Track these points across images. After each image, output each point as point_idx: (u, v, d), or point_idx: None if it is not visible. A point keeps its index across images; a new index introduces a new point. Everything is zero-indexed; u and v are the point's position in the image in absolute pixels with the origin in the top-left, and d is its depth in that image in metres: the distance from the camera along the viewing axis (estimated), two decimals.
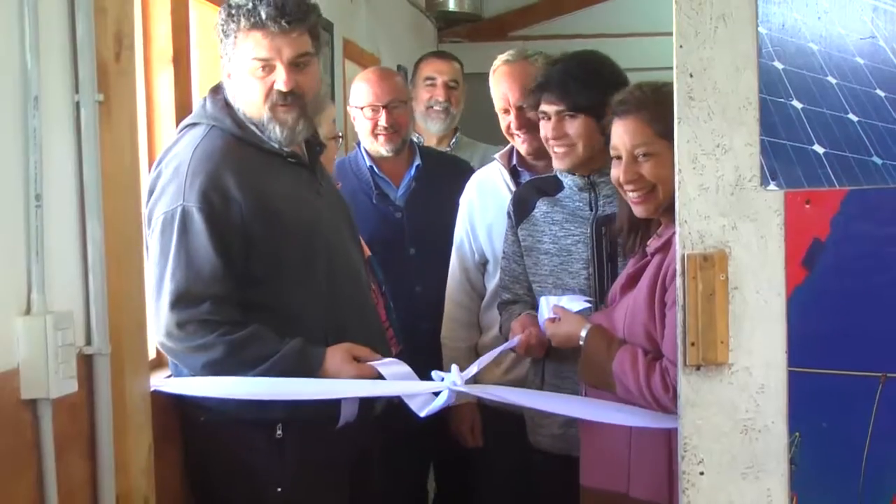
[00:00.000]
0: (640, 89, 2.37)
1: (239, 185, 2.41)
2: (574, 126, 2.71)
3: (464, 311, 3.23)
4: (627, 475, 2.33)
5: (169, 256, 2.37)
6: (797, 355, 1.95)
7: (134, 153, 2.27)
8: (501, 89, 3.16)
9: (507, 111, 3.13)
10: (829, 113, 1.93)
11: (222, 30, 2.48)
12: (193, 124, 2.53)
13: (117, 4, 2.16)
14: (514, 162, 3.19)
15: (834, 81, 1.94)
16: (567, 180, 2.82)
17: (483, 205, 3.19)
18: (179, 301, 2.36)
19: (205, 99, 2.57)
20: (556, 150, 2.76)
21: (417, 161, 3.50)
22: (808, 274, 1.93)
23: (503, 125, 3.18)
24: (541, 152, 3.07)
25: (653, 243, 2.33)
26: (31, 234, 1.93)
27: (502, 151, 3.26)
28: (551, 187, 2.87)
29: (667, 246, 2.25)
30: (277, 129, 2.49)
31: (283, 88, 2.46)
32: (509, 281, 2.93)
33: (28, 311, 1.94)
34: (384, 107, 3.44)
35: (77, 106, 2.08)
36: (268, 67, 2.46)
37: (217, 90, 2.57)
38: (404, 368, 2.49)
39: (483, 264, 3.21)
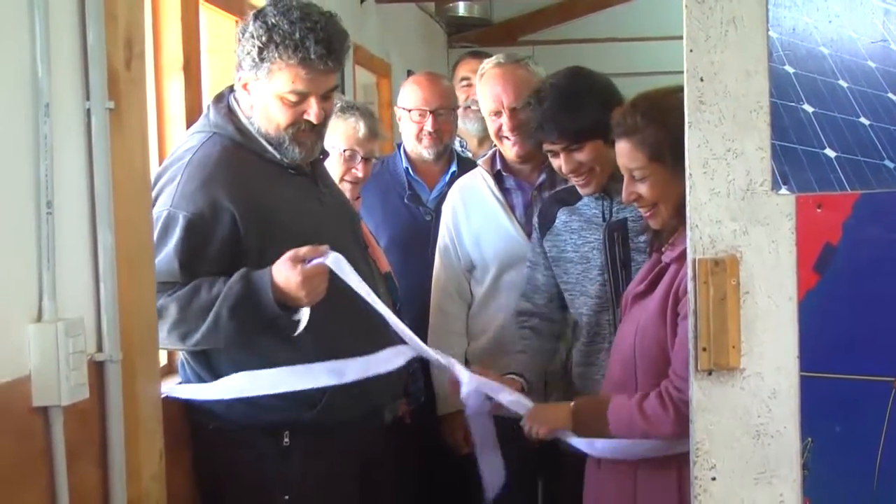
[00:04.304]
0: (633, 112, 2.36)
1: (233, 194, 2.40)
2: (584, 154, 2.73)
3: (451, 320, 3.24)
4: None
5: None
6: (809, 360, 1.94)
7: (145, 160, 2.27)
8: (493, 91, 3.16)
9: (498, 113, 3.14)
10: (840, 117, 1.92)
11: (259, 52, 2.43)
12: (196, 133, 2.53)
13: (128, 12, 2.16)
14: (499, 167, 3.19)
15: (845, 85, 1.93)
16: None
17: (468, 211, 3.20)
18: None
19: (208, 108, 2.57)
20: (575, 180, 2.79)
21: (454, 168, 3.53)
22: (819, 278, 1.93)
23: (493, 128, 3.18)
24: (529, 156, 3.08)
25: (668, 253, 2.33)
26: (42, 241, 1.93)
27: (485, 157, 3.28)
28: (572, 197, 2.89)
29: (682, 257, 2.25)
30: (297, 151, 2.50)
31: (315, 121, 2.47)
32: (530, 289, 2.96)
33: (39, 318, 1.94)
34: (431, 112, 3.47)
35: (88, 113, 2.08)
36: (301, 99, 2.46)
37: (220, 98, 2.57)
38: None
39: (469, 271, 3.21)
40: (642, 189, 2.33)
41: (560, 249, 2.87)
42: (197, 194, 2.38)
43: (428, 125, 3.46)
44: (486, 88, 3.20)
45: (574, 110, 2.72)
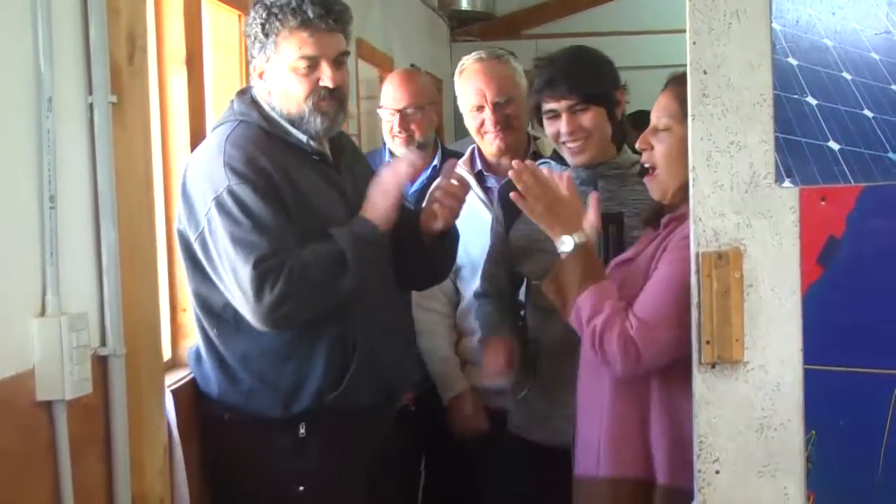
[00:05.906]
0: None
1: (276, 171, 2.41)
2: (588, 118, 2.69)
3: (438, 317, 3.22)
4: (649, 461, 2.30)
5: (234, 233, 2.34)
6: (813, 353, 1.93)
7: (147, 154, 2.27)
8: (475, 86, 3.15)
9: (480, 108, 3.13)
10: (844, 109, 1.92)
11: (262, 29, 2.47)
12: (223, 123, 2.54)
13: (130, 6, 2.16)
14: (479, 167, 3.19)
15: (849, 77, 1.92)
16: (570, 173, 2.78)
17: None
18: (259, 262, 2.33)
19: (232, 101, 2.59)
20: (570, 145, 2.72)
21: (435, 162, 3.52)
22: (823, 271, 1.92)
23: (474, 124, 3.17)
24: (509, 148, 3.08)
25: (666, 221, 2.26)
26: (45, 236, 1.93)
27: (464, 157, 3.25)
28: None
29: (681, 218, 2.17)
30: (319, 120, 2.50)
31: (331, 85, 2.48)
32: (493, 290, 2.96)
33: (43, 313, 1.95)
34: (399, 111, 3.47)
35: (90, 107, 2.09)
36: (313, 65, 2.47)
37: (244, 91, 2.60)
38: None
39: (455, 272, 3.19)
40: (658, 141, 2.24)
41: (532, 239, 2.72)
42: (245, 168, 2.38)
43: (396, 124, 3.48)
44: (467, 84, 3.19)
45: (590, 70, 2.72)
